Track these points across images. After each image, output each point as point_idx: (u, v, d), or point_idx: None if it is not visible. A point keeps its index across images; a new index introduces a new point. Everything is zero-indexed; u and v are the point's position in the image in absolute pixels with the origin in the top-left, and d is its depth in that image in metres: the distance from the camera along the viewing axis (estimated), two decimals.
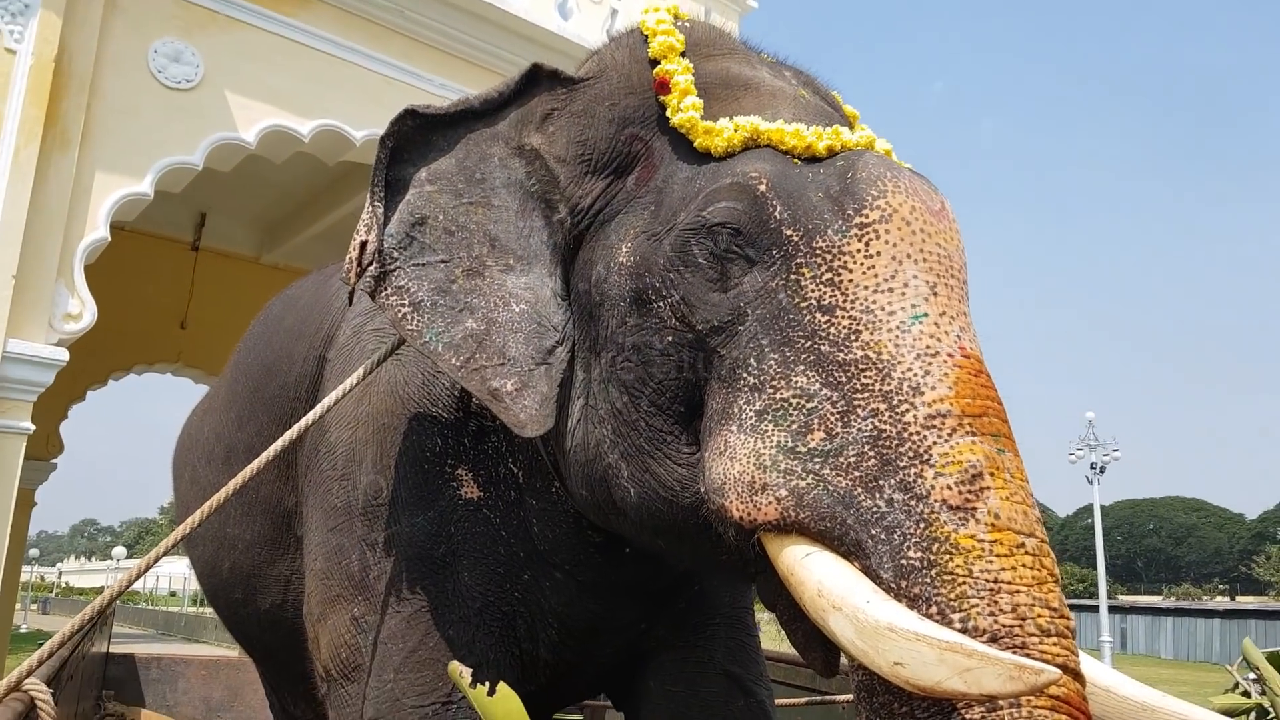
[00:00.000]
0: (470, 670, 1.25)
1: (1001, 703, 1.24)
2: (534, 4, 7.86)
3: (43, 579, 61.94)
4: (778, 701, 2.39)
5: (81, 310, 5.77)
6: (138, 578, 1.85)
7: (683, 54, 1.87)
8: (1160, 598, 56.56)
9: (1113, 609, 31.10)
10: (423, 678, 1.95)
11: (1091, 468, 26.47)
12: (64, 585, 54.34)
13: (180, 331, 9.97)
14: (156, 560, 1.86)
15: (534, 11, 7.78)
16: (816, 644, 1.50)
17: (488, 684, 1.18)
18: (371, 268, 1.81)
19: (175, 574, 43.40)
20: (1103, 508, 27.85)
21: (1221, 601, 52.06)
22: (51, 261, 5.67)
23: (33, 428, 5.72)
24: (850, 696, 1.56)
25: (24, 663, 1.68)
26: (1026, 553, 1.31)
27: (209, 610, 23.67)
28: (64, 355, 5.68)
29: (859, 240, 1.53)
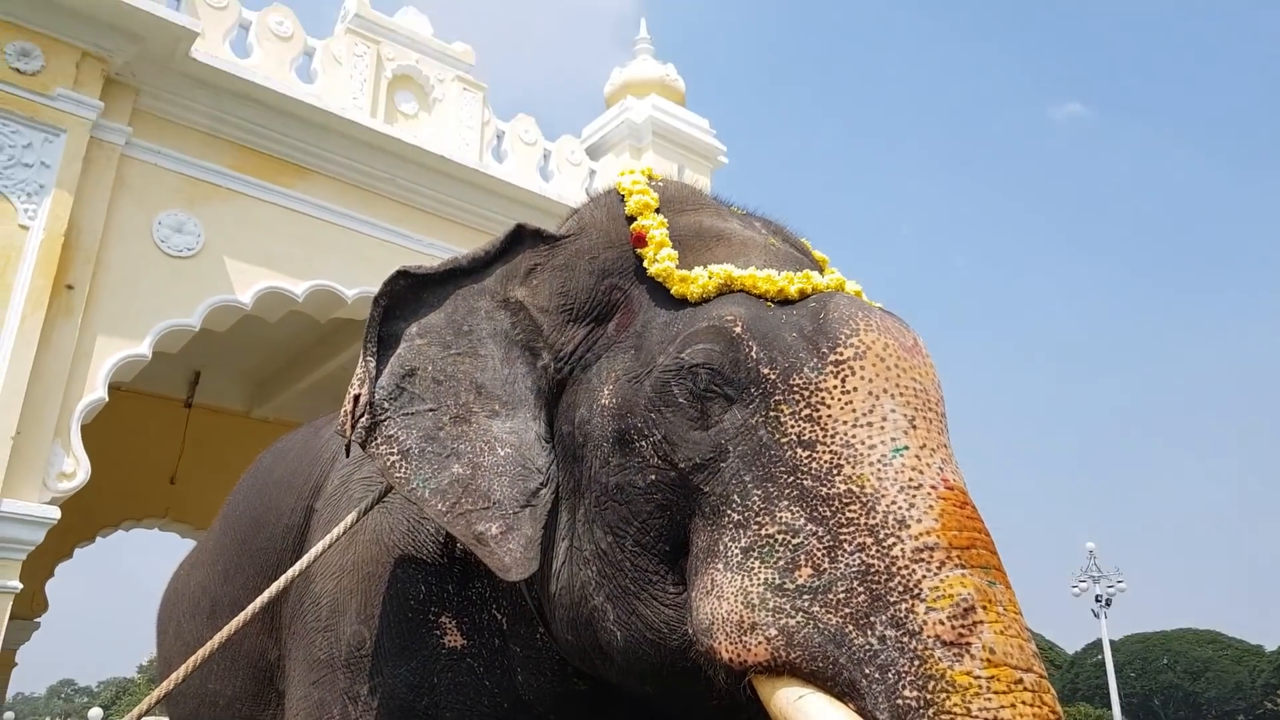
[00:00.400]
0: None
1: None
2: (517, 168, 8.28)
3: None
4: None
5: (76, 469, 5.80)
6: None
7: (657, 210, 1.95)
8: None
9: None
10: None
11: (1096, 600, 25.66)
12: None
13: (170, 487, 9.92)
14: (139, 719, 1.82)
15: (517, 174, 8.18)
16: None
17: None
18: (363, 419, 1.84)
19: None
20: (1112, 643, 26.91)
21: None
22: (50, 422, 5.73)
23: (20, 586, 5.65)
24: None
25: None
26: (1025, 689, 1.29)
27: None
28: (56, 513, 5.67)
29: (835, 377, 1.56)
